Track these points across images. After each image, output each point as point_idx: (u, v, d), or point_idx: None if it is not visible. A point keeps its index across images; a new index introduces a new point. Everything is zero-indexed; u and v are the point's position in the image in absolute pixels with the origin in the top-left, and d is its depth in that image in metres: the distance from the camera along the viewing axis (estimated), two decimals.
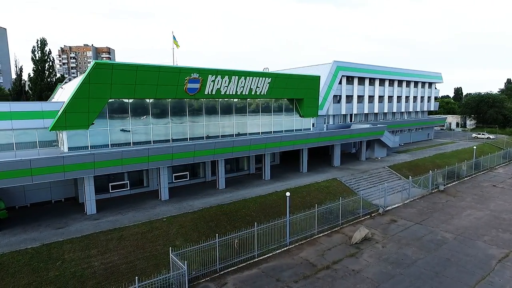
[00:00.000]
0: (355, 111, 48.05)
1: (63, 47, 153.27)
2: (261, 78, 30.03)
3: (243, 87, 29.21)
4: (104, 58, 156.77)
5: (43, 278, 16.38)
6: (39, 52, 65.56)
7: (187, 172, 31.22)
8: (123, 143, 25.09)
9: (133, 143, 25.53)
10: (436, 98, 66.50)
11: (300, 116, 36.36)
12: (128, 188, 28.00)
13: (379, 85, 51.21)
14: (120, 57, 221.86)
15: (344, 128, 44.12)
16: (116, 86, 22.44)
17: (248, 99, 31.95)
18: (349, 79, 46.64)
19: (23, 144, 23.82)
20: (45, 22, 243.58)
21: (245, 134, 32.35)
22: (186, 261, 16.12)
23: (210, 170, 32.09)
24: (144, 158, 23.58)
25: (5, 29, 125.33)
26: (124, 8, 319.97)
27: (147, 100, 25.96)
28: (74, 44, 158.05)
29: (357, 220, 26.67)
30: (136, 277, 14.47)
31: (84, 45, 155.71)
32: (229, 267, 19.09)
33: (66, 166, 20.59)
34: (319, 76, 35.12)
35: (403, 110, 57.01)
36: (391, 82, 53.81)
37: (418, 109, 60.73)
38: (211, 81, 27.05)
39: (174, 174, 30.32)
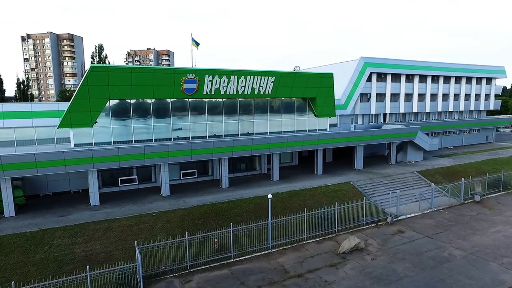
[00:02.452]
0: (388, 111, 44.38)
1: (129, 51, 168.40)
2: (263, 77, 29.42)
3: (244, 86, 28.99)
4: (164, 61, 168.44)
5: (29, 260, 18.42)
6: (97, 56, 73.29)
7: (195, 170, 32.12)
8: (126, 141, 26.83)
9: (135, 141, 27.17)
10: (497, 95, 58.09)
11: (315, 115, 34.85)
12: (137, 183, 29.86)
13: (419, 82, 46.50)
14: (179, 59, 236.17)
15: (375, 128, 41.08)
16: (113, 87, 24.15)
17: (253, 99, 31.60)
18: (381, 76, 43.21)
19: (44, 140, 26.95)
20: (117, 28, 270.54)
21: (252, 134, 32.10)
22: (140, 255, 16.70)
23: (218, 169, 32.51)
24: (140, 155, 24.93)
25: (81, 37, 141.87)
26: (184, 12, 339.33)
27: (149, 100, 27.38)
28: (139, 48, 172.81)
29: (359, 228, 24.76)
30: (88, 266, 15.47)
31: (147, 48, 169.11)
32: (201, 265, 19.28)
33: (66, 161, 22.79)
34: (332, 74, 33.11)
35: (451, 109, 50.89)
36: (435, 78, 48.43)
37: (472, 108, 53.65)
38: (209, 81, 27.42)
39: (181, 171, 31.45)
